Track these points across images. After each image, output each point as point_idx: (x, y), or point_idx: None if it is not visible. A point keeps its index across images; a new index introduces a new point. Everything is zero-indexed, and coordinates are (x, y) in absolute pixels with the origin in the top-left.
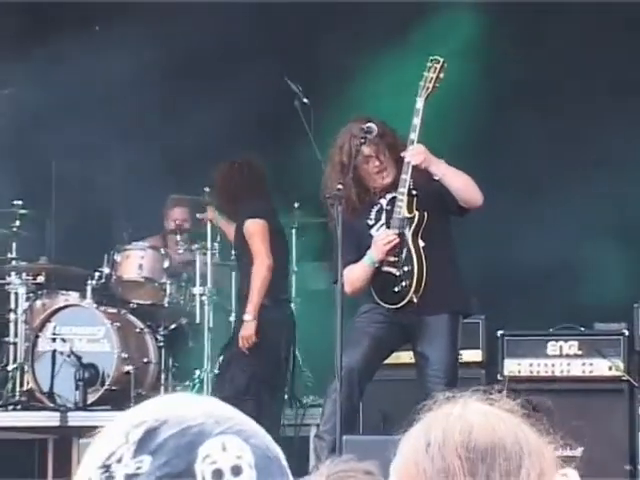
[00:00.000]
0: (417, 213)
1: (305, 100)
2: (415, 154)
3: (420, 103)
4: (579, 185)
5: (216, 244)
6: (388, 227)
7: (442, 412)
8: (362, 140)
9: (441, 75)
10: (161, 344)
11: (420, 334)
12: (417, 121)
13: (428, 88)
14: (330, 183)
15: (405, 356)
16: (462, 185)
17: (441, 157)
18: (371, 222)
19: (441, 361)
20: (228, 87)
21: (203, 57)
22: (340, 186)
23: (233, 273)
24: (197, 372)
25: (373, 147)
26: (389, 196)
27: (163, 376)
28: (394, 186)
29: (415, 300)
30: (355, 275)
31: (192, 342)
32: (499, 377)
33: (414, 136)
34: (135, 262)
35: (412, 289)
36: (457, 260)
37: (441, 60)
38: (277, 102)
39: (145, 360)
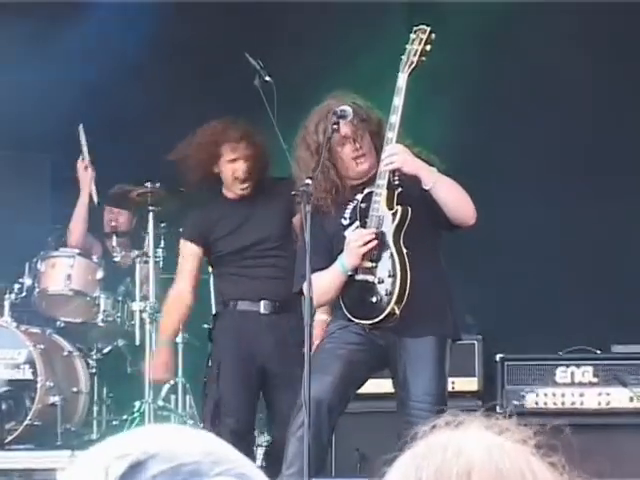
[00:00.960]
0: (399, 208)
1: (267, 78)
2: (392, 155)
3: (402, 80)
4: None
5: (160, 250)
6: (364, 227)
7: (438, 444)
8: (334, 126)
9: (427, 47)
10: (93, 370)
11: (401, 358)
12: (398, 101)
13: (412, 62)
14: (303, 163)
15: (385, 384)
16: (455, 200)
17: (431, 162)
18: (345, 222)
19: (426, 391)
20: None
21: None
22: (309, 180)
23: None
24: (137, 404)
25: (351, 127)
26: (367, 191)
27: (96, 408)
28: (372, 180)
29: (397, 312)
30: (323, 284)
31: (131, 368)
32: (498, 410)
33: (395, 119)
34: (62, 272)
35: (394, 298)
36: (446, 272)
37: (427, 29)
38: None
39: (74, 390)
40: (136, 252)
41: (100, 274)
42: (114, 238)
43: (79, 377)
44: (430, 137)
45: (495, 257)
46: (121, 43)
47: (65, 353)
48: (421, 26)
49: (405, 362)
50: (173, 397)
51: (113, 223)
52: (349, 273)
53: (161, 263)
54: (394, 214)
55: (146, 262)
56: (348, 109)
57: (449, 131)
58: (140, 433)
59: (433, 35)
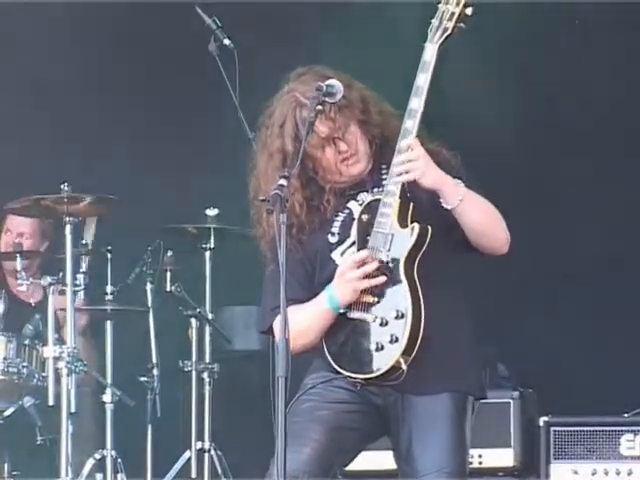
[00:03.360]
0: (416, 226)
1: (226, 41)
2: (410, 162)
3: (431, 52)
4: None
5: (81, 276)
6: (363, 247)
7: None
8: (318, 107)
9: (467, 10)
10: None
11: (404, 422)
12: (424, 80)
13: (446, 29)
14: (264, 181)
15: (385, 458)
16: (485, 223)
17: (456, 173)
18: (334, 238)
19: (439, 465)
20: None
21: None
22: (283, 181)
23: (108, 323)
24: None
25: (329, 124)
26: (365, 197)
27: None
28: (368, 182)
29: (404, 366)
30: (300, 323)
31: (42, 437)
32: None
33: (417, 104)
34: None
35: (402, 347)
36: (469, 311)
37: None
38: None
39: None
40: (49, 279)
41: (0, 308)
42: (18, 260)
43: None
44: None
45: (536, 286)
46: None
47: None
48: None
49: (410, 427)
50: (99, 476)
51: (16, 240)
52: (341, 311)
53: (82, 294)
54: (410, 232)
55: (62, 293)
56: (337, 83)
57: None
58: None
59: None
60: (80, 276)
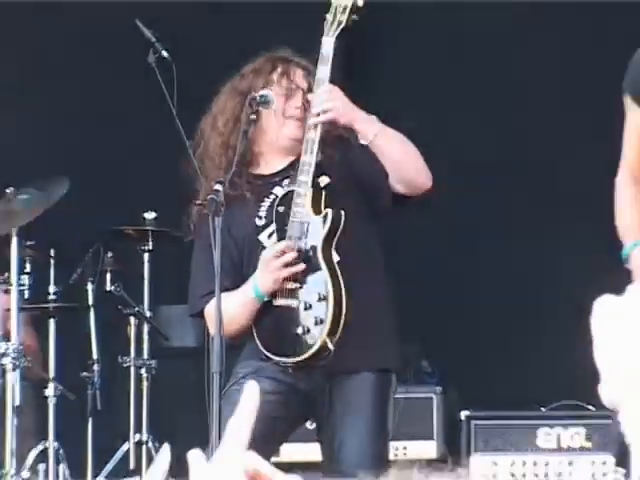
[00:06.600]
0: (330, 212)
1: (165, 53)
2: (327, 101)
3: (329, 45)
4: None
5: (26, 277)
6: (282, 237)
7: None
8: (252, 117)
9: (359, 2)
10: None
11: (330, 409)
12: (324, 72)
13: (340, 22)
14: (206, 178)
15: (311, 450)
16: (403, 153)
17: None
18: (261, 222)
19: (362, 448)
20: None
21: None
22: (218, 187)
23: (51, 321)
24: None
25: (306, 79)
26: (286, 188)
27: None
28: (291, 169)
29: (331, 346)
30: (228, 311)
31: None
32: None
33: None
34: None
35: (326, 328)
36: (389, 289)
37: None
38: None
39: None
40: None
41: None
42: None
43: None
44: None
45: (457, 284)
46: None
47: None
48: None
49: (336, 412)
50: (42, 467)
51: None
52: (265, 299)
53: (26, 293)
54: (323, 219)
55: (7, 292)
56: (270, 94)
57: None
58: None
59: None
60: (24, 277)
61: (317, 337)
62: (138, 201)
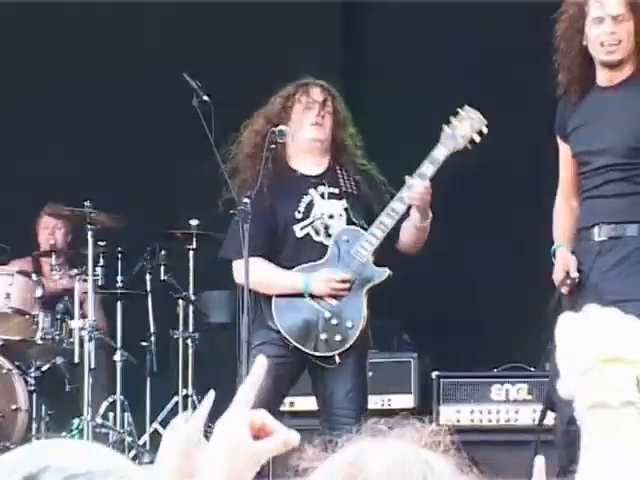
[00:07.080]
0: (387, 271)
1: (205, 97)
2: (422, 195)
3: (442, 154)
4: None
5: (99, 269)
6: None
7: (344, 460)
8: (272, 146)
9: (477, 138)
10: (32, 388)
11: (324, 376)
12: (430, 170)
13: (457, 145)
14: (244, 185)
15: (302, 402)
16: (424, 239)
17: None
18: (299, 215)
19: (348, 396)
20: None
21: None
22: (247, 200)
23: (118, 303)
24: (76, 421)
25: (323, 95)
26: (323, 189)
27: (35, 426)
28: (326, 177)
29: (338, 360)
30: (266, 280)
31: (70, 386)
32: (434, 427)
33: (431, 170)
34: (1, 290)
35: (344, 348)
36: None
37: (485, 124)
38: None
39: (13, 407)
40: (75, 271)
41: (39, 292)
42: (53, 257)
43: (18, 395)
44: None
45: (433, 272)
46: None
47: (4, 371)
48: (480, 116)
49: (329, 377)
50: (111, 414)
51: (51, 241)
52: (307, 296)
53: (99, 281)
54: (381, 274)
55: (84, 280)
56: (286, 129)
57: None
58: (32, 448)
59: (486, 130)
60: (98, 268)
61: (334, 350)
62: (185, 211)
